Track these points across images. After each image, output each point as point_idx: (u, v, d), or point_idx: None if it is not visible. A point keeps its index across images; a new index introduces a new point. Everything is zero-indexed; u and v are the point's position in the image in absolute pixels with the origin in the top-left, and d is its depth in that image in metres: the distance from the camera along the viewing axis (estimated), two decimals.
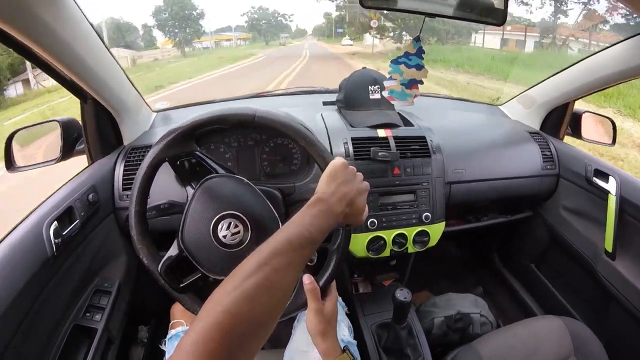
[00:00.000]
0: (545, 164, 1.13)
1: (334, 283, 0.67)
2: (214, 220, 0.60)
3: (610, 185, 0.94)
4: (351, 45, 32.49)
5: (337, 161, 0.57)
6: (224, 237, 0.59)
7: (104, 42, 0.81)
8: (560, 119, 1.18)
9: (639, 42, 0.81)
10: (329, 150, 0.87)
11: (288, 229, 0.44)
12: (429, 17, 0.65)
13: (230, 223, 0.60)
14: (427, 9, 0.64)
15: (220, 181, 0.63)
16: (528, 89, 1.26)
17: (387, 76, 0.75)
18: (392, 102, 0.78)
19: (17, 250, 0.63)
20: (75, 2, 0.69)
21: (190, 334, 0.33)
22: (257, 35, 60.71)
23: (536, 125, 1.24)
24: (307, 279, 0.60)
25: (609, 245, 0.93)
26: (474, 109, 1.40)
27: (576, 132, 1.19)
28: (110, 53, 0.84)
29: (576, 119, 1.18)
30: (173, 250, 0.61)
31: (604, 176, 0.97)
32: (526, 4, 16.06)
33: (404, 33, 20.85)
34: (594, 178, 1.00)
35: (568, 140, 1.22)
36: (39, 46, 0.63)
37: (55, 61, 0.69)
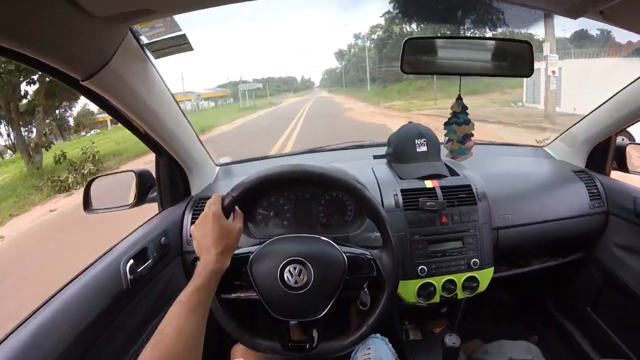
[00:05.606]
0: (592, 202, 1.09)
1: None
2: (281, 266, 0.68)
3: None
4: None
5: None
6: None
7: (178, 105, 0.93)
8: (605, 154, 1.16)
9: None
10: (380, 202, 0.93)
11: None
12: (464, 76, 0.71)
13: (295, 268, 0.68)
14: (462, 69, 0.71)
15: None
16: (571, 127, 1.24)
17: (444, 138, 0.80)
18: (455, 160, 0.83)
19: (97, 281, 0.74)
20: (154, 67, 0.80)
21: None
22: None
23: (581, 163, 1.21)
24: None
25: None
26: (518, 152, 1.41)
27: (622, 166, 1.15)
28: (183, 113, 0.96)
29: (620, 152, 1.15)
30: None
31: None
32: None
33: None
34: None
35: (617, 175, 1.18)
36: (130, 110, 0.77)
37: (140, 121, 0.82)
